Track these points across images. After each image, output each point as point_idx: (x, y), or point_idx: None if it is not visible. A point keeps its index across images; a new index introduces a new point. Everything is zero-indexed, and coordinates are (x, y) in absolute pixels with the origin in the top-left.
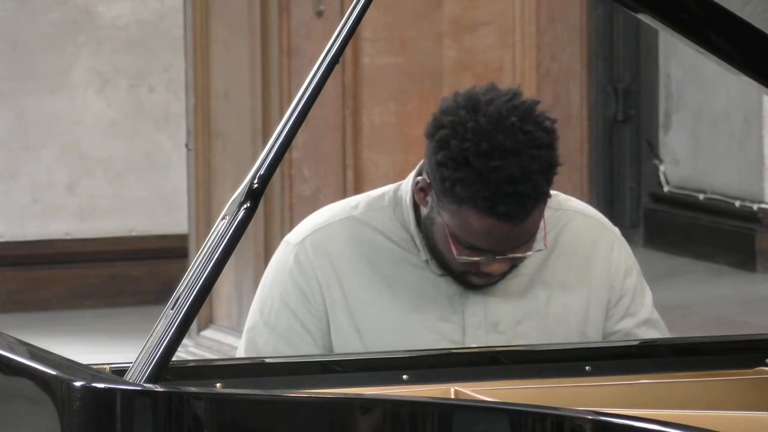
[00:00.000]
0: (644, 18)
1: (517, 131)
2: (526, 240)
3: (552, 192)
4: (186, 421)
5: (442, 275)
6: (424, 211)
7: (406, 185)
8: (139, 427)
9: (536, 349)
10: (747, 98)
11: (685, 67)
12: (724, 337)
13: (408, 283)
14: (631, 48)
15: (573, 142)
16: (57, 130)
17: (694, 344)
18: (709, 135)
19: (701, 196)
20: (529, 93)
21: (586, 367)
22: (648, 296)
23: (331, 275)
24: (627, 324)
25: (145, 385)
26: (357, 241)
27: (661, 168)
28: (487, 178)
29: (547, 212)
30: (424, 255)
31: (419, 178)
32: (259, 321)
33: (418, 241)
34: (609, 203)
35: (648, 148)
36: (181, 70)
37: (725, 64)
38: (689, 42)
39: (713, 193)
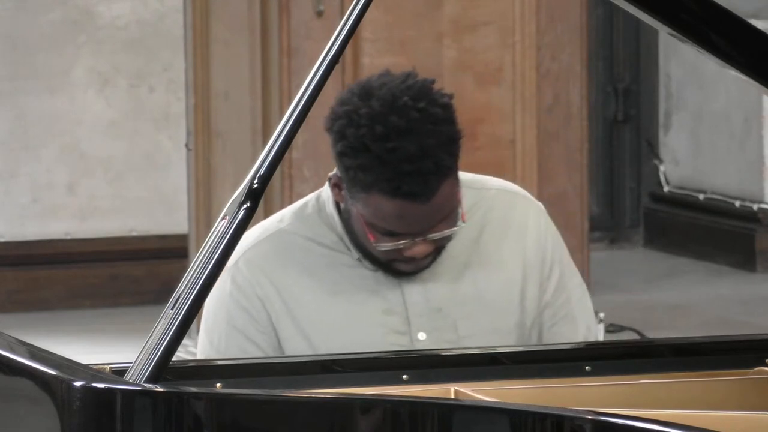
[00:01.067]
0: (644, 18)
1: (410, 110)
2: (443, 218)
3: (469, 174)
4: (186, 421)
5: (376, 270)
6: (342, 206)
7: (327, 189)
8: (139, 427)
9: (536, 349)
10: (747, 98)
11: (685, 67)
12: (724, 337)
13: (346, 284)
14: (631, 48)
15: (573, 142)
16: (57, 130)
17: (694, 344)
18: (709, 135)
19: (701, 196)
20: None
21: (586, 367)
22: (575, 272)
23: (271, 290)
24: (560, 297)
25: (145, 385)
26: (289, 252)
27: (661, 168)
28: (387, 161)
29: (470, 192)
30: (355, 253)
31: (331, 174)
32: (211, 351)
33: (347, 240)
34: (609, 203)
35: (648, 148)
36: (181, 70)
37: (725, 64)
38: (689, 42)
39: (713, 193)
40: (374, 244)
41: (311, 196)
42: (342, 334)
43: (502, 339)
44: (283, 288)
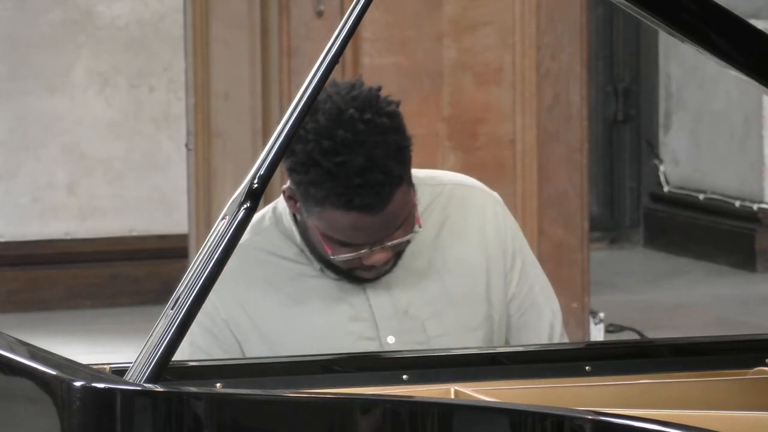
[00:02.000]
0: (644, 18)
1: (356, 122)
2: (398, 225)
3: (423, 170)
4: (186, 421)
5: (339, 278)
6: (299, 218)
7: (283, 201)
8: (139, 427)
9: (536, 349)
10: (747, 98)
11: (685, 67)
12: (724, 337)
13: (311, 294)
14: (631, 48)
15: (573, 142)
16: (57, 130)
17: (694, 344)
18: (709, 135)
19: (701, 196)
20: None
21: (586, 367)
22: (535, 261)
23: (236, 309)
24: (524, 287)
25: (145, 385)
26: (251, 267)
27: (661, 168)
28: (337, 175)
29: (427, 189)
30: (317, 264)
31: (285, 186)
32: None
33: (307, 251)
34: (609, 203)
35: (648, 148)
36: (181, 70)
37: (725, 64)
38: (689, 42)
39: (713, 193)
40: (332, 256)
41: (267, 208)
42: (311, 345)
43: (472, 335)
44: (249, 304)
